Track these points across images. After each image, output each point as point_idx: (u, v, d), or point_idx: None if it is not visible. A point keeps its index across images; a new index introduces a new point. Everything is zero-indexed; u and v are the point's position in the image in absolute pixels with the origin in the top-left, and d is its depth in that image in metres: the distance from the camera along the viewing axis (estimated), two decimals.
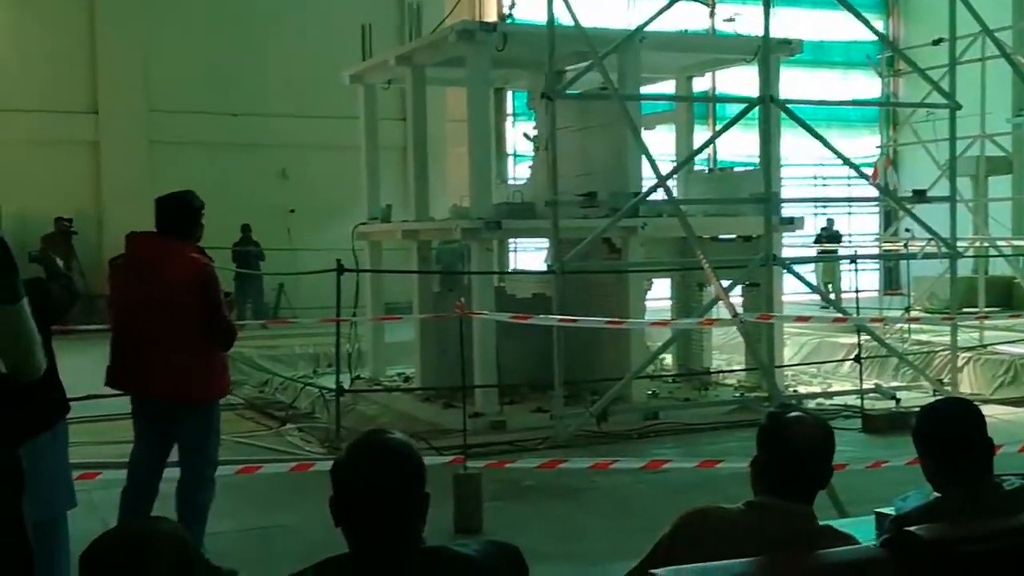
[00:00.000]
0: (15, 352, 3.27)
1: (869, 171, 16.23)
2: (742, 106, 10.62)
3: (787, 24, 19.64)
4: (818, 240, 19.54)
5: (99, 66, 19.90)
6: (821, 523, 3.10)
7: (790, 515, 2.99)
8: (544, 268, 12.23)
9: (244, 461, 7.58)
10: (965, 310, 14.69)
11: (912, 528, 2.96)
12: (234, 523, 6.81)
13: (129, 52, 19.87)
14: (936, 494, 3.17)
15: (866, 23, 11.32)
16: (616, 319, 9.84)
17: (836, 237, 19.78)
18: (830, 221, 20.60)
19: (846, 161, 10.85)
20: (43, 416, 3.47)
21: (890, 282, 21.44)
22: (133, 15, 19.87)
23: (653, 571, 2.67)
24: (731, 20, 13.71)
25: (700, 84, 17.96)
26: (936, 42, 12.60)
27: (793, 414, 3.09)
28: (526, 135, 14.19)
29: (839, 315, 11.49)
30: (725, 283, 10.62)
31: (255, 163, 19.76)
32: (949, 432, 3.16)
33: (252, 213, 18.71)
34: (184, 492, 5.63)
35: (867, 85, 22.49)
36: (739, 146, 18.73)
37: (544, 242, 12.82)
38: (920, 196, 11.25)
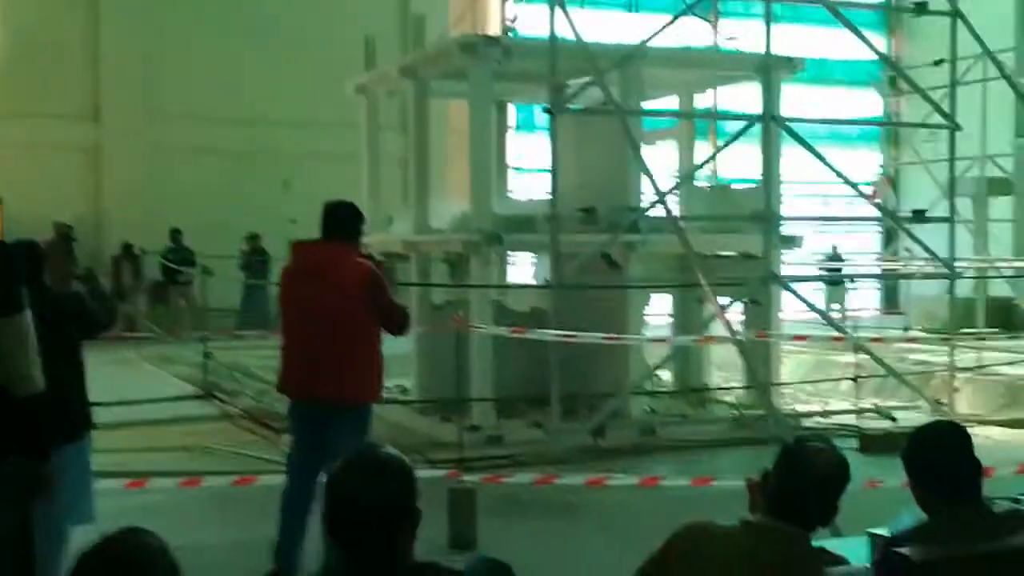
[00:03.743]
0: (10, 364, 3.25)
1: (869, 190, 16.24)
2: (744, 123, 10.62)
3: (790, 41, 19.72)
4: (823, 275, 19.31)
5: (101, 71, 19.98)
6: (815, 544, 3.11)
7: (785, 536, 3.00)
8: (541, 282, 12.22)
9: (240, 472, 7.58)
10: (964, 331, 14.70)
11: (901, 550, 2.96)
12: (227, 535, 6.79)
13: (132, 57, 19.95)
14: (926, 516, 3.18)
15: (867, 43, 11.35)
16: (614, 335, 9.83)
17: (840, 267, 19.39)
18: (835, 248, 20.36)
19: (845, 180, 10.86)
20: (45, 432, 3.46)
21: (890, 301, 21.45)
22: (136, 20, 19.96)
23: None
24: (732, 39, 13.72)
25: (703, 100, 18.04)
26: (937, 63, 12.64)
27: (816, 444, 3.12)
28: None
29: (837, 334, 11.47)
30: (725, 300, 10.66)
31: (257, 172, 19.79)
32: (937, 455, 3.17)
33: (254, 222, 18.75)
34: None
35: (870, 103, 22.52)
36: (741, 162, 18.75)
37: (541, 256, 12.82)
38: (919, 216, 11.27)
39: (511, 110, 17.55)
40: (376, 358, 5.80)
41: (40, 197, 18.62)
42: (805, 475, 3.00)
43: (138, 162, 20.01)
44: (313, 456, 5.69)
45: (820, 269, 18.89)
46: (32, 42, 19.37)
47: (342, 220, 5.86)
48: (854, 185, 11.55)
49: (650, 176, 9.90)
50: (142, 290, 19.34)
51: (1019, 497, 3.60)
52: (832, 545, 3.90)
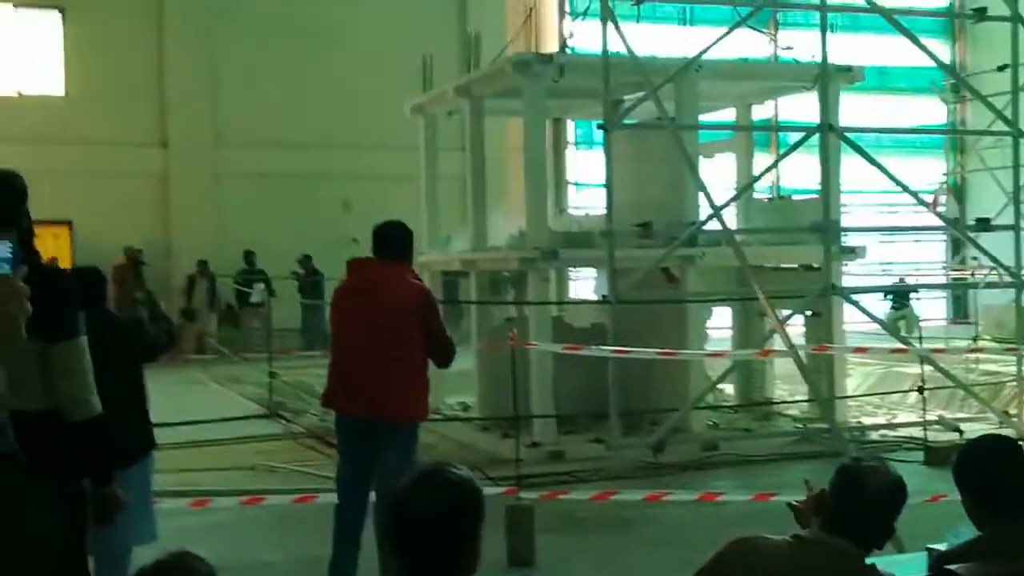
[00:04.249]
0: (68, 386, 3.35)
1: (929, 198, 15.97)
2: (801, 134, 10.55)
3: (851, 50, 19.52)
4: (887, 297, 18.93)
5: (168, 99, 20.44)
6: (868, 561, 3.08)
7: (837, 553, 2.99)
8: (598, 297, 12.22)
9: (301, 490, 7.68)
10: None
11: (953, 567, 2.93)
12: (288, 552, 6.89)
13: (196, 85, 20.42)
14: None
15: (926, 50, 11.19)
16: (672, 350, 9.79)
17: (906, 296, 18.79)
18: (902, 279, 19.71)
19: (905, 188, 10.72)
20: (106, 455, 3.57)
21: (959, 311, 21.03)
22: (200, 48, 20.44)
23: None
24: (789, 48, 13.63)
25: (763, 111, 17.91)
26: (1001, 68, 12.39)
27: (870, 464, 3.11)
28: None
29: (900, 345, 11.29)
30: (786, 312, 10.56)
31: (318, 194, 20.07)
32: (987, 470, 3.13)
33: (316, 243, 19.01)
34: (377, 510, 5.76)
35: (934, 110, 22.17)
36: (803, 173, 18.58)
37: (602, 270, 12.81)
38: (983, 224, 11.07)
39: (570, 126, 17.64)
40: (424, 377, 5.84)
41: (111, 223, 19.13)
42: (860, 496, 2.99)
43: (204, 187, 20.43)
44: (361, 472, 5.76)
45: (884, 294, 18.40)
46: (101, 72, 19.90)
47: (393, 240, 5.94)
48: (914, 194, 11.38)
49: (705, 190, 9.86)
50: (216, 309, 19.68)
51: None
52: (892, 561, 3.87)
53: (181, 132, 20.41)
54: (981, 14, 12.19)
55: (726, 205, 10.22)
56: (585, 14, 12.82)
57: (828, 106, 10.28)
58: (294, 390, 13.50)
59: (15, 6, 19.90)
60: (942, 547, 3.36)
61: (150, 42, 20.35)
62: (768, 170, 12.88)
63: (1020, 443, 3.34)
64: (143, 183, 20.21)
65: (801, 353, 9.68)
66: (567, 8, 22.65)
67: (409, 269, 5.97)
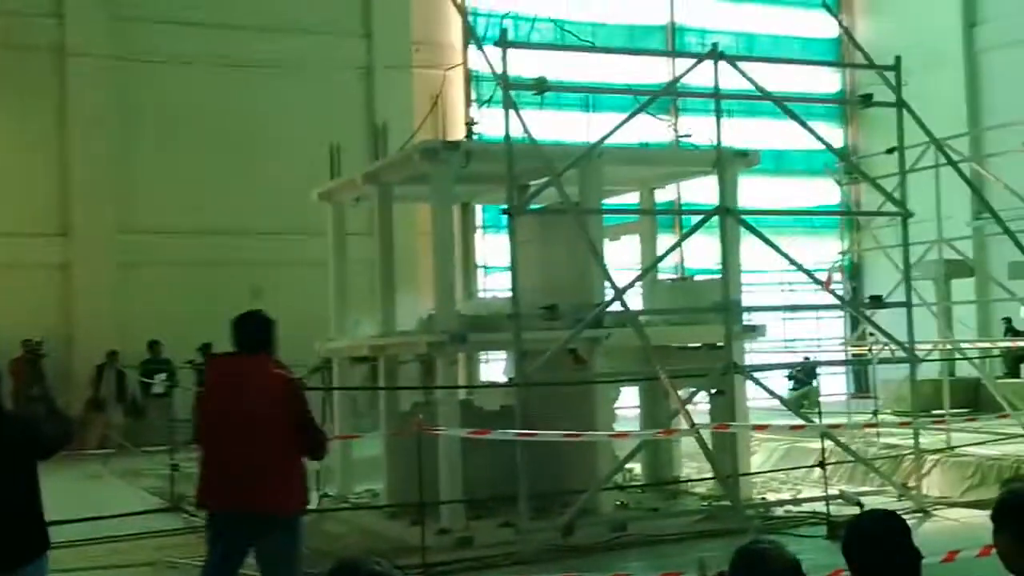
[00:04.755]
0: None
1: (823, 276, 16.48)
2: (700, 216, 10.85)
3: (750, 135, 20.16)
4: (791, 377, 19.38)
5: (71, 188, 20.16)
6: None
7: None
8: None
9: None
10: (932, 412, 14.78)
11: None
12: None
13: (101, 174, 20.18)
14: None
15: (814, 134, 11.65)
16: (579, 431, 9.85)
17: (811, 374, 19.33)
18: (807, 358, 20.18)
19: (799, 267, 11.06)
20: None
21: (859, 386, 21.55)
22: (105, 139, 20.25)
23: None
24: (687, 136, 14.08)
25: (666, 194, 18.34)
26: (889, 151, 12.93)
27: (762, 546, 3.16)
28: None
29: (799, 422, 11.53)
30: (690, 391, 10.72)
31: (227, 280, 19.84)
32: (873, 547, 3.20)
33: (225, 331, 18.70)
34: None
35: (829, 191, 22.94)
36: (706, 254, 19.01)
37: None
38: (877, 301, 11.44)
39: (478, 210, 17.84)
40: (299, 465, 5.76)
41: (8, 315, 18.63)
42: None
43: (109, 275, 20.10)
44: (227, 571, 5.68)
45: (788, 373, 18.81)
46: (2, 161, 19.58)
47: (252, 331, 5.87)
48: (808, 272, 11.73)
49: (606, 273, 10.04)
50: (124, 400, 19.21)
51: None
52: None
53: (84, 221, 20.10)
54: (867, 100, 12.74)
55: (629, 287, 10.41)
56: (490, 101, 13.06)
57: (726, 189, 10.59)
58: (196, 482, 13.17)
59: None
60: None
61: (53, 132, 20.12)
62: (669, 252, 13.16)
63: (909, 515, 3.45)
64: (43, 273, 19.81)
65: (705, 432, 9.81)
66: (473, 96, 23.06)
67: (272, 358, 5.85)
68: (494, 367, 18.26)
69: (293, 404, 5.68)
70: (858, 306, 12.15)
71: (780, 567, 3.11)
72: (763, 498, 11.67)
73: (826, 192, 23.56)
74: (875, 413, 14.75)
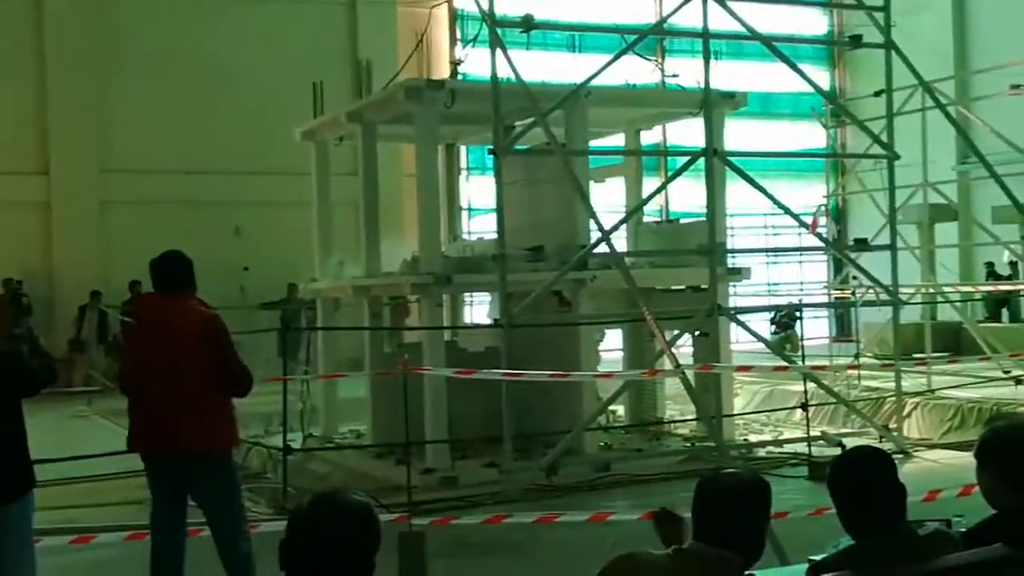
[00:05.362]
0: None
1: (809, 219, 16.49)
2: (687, 158, 10.79)
3: (736, 77, 20.04)
4: (774, 320, 19.51)
5: (50, 127, 19.92)
6: (755, 572, 3.15)
7: (716, 562, 3.04)
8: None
9: (191, 524, 7.50)
10: (914, 356, 14.89)
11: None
12: None
13: (80, 112, 19.94)
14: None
15: (804, 76, 11.56)
16: (564, 372, 9.87)
17: (794, 318, 19.43)
18: (790, 304, 20.33)
19: (786, 210, 11.04)
20: None
21: (841, 329, 21.66)
22: (84, 75, 19.94)
23: None
24: (675, 76, 13.95)
25: (652, 136, 18.24)
26: (877, 94, 12.85)
27: (729, 470, 3.19)
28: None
29: (782, 363, 11.59)
30: (674, 332, 10.74)
31: (208, 221, 19.73)
32: (859, 481, 3.22)
33: (206, 271, 18.55)
34: (224, 546, 5.62)
35: (815, 134, 22.89)
36: (691, 196, 18.97)
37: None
38: (862, 244, 11.45)
39: (463, 152, 17.71)
40: (226, 405, 5.69)
41: None
42: (716, 500, 3.07)
43: (90, 215, 19.95)
44: (174, 514, 5.65)
45: (771, 318, 18.90)
46: None
47: (171, 270, 5.81)
48: (795, 215, 11.72)
49: (593, 214, 10.00)
50: (105, 341, 19.14)
51: (949, 519, 3.66)
52: (774, 573, 3.96)
53: (64, 160, 19.89)
54: (856, 41, 12.66)
55: (615, 229, 10.37)
56: (475, 41, 12.89)
57: (712, 131, 10.53)
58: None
59: None
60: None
61: (31, 68, 19.81)
62: (655, 194, 13.14)
63: (891, 455, 3.46)
64: (23, 213, 19.62)
65: (688, 373, 9.85)
66: (458, 35, 22.80)
67: (193, 296, 5.80)
68: (479, 309, 18.30)
69: (214, 340, 5.58)
70: (843, 249, 12.13)
71: (740, 486, 3.12)
72: (745, 439, 11.76)
73: (812, 135, 23.50)
74: (857, 356, 14.86)
